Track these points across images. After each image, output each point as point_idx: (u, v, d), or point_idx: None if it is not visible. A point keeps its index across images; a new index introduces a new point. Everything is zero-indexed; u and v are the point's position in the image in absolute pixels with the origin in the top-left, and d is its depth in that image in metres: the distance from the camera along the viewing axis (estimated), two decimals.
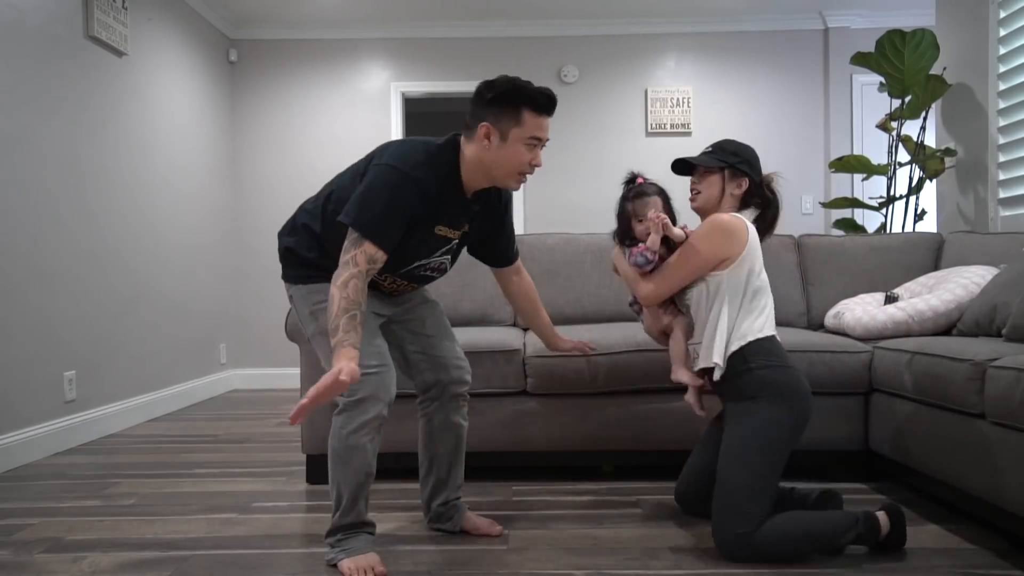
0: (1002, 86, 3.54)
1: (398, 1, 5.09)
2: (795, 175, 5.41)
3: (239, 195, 5.52)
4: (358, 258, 1.76)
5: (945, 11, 3.97)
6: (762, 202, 2.12)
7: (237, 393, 5.20)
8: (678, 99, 5.47)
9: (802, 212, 5.43)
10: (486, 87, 1.84)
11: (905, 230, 4.17)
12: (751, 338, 1.98)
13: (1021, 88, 3.40)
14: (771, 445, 1.92)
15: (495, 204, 2.06)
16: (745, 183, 2.08)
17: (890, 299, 2.85)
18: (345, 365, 1.64)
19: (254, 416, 4.21)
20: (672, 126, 5.47)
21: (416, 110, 6.70)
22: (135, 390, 4.04)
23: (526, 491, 2.58)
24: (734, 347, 1.98)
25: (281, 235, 2.04)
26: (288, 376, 5.34)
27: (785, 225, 5.25)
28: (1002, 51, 3.53)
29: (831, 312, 2.97)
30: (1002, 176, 3.56)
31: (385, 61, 5.52)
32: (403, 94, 5.55)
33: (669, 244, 2.13)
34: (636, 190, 2.20)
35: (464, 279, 3.20)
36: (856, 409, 2.62)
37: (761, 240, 2.09)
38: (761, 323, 2.02)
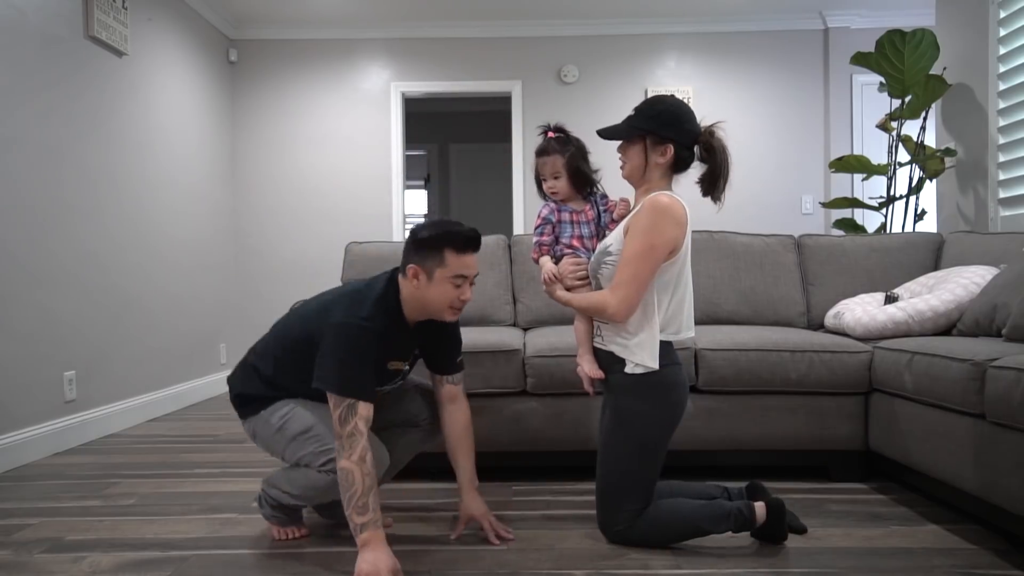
0: (1002, 86, 3.53)
1: (398, 1, 5.09)
2: (795, 175, 5.41)
3: (239, 195, 5.52)
4: (359, 425, 1.80)
5: (945, 11, 3.97)
6: (706, 158, 1.95)
7: None
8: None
9: (802, 212, 5.43)
10: (415, 231, 1.95)
11: (905, 230, 4.17)
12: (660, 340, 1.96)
13: (1021, 88, 3.39)
14: (649, 445, 1.97)
15: (437, 324, 2.09)
16: (670, 150, 1.93)
17: (890, 299, 2.85)
18: (390, 561, 1.75)
19: None
20: None
21: (416, 110, 6.70)
22: (135, 390, 4.04)
23: (526, 491, 2.58)
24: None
25: (232, 381, 2.09)
26: None
27: (785, 225, 5.29)
28: (1002, 51, 3.52)
29: (831, 312, 2.97)
30: (1002, 176, 3.56)
31: (385, 61, 5.52)
32: (403, 94, 5.55)
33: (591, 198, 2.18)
34: (539, 146, 2.18)
35: None
36: (856, 409, 2.62)
37: (714, 201, 1.95)
38: (665, 322, 1.96)
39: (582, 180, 2.16)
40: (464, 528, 2.13)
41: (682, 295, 1.98)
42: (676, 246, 1.92)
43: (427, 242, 1.91)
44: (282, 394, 2.01)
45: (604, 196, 2.24)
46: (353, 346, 1.84)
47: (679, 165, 1.98)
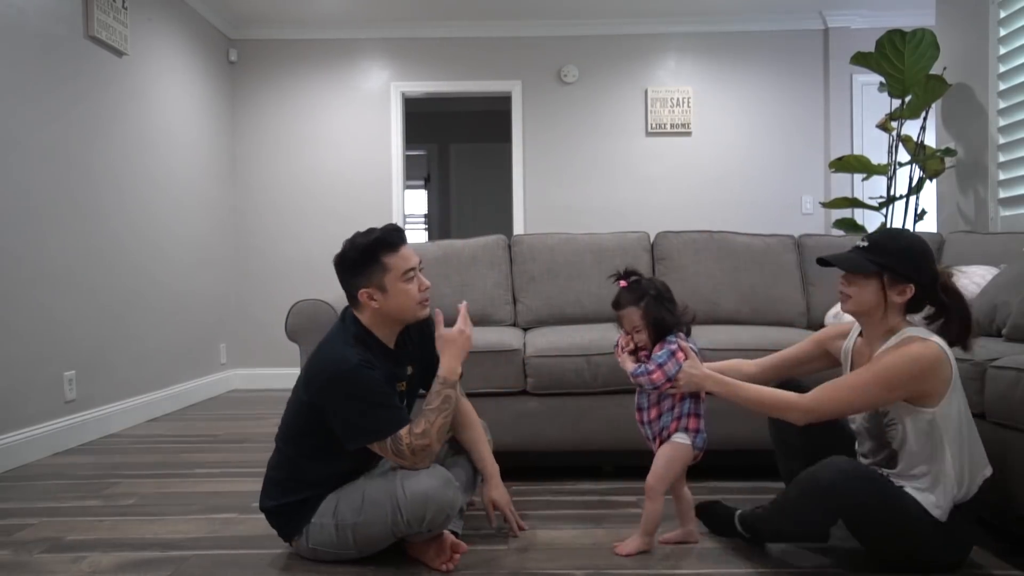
0: (1002, 86, 3.53)
1: (398, 1, 5.09)
2: (795, 175, 5.41)
3: (239, 195, 5.52)
4: (409, 441, 1.81)
5: (945, 11, 3.97)
6: (946, 303, 1.76)
7: (237, 393, 5.20)
8: (678, 99, 5.47)
9: (802, 212, 5.43)
10: (341, 261, 1.94)
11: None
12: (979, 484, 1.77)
13: (1021, 88, 3.39)
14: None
15: (416, 338, 2.06)
16: (910, 290, 1.75)
17: None
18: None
19: (254, 416, 4.21)
20: (672, 126, 5.47)
21: (416, 110, 6.70)
22: (135, 390, 4.04)
23: (526, 491, 2.58)
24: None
25: (263, 503, 1.95)
26: (288, 376, 5.31)
27: (785, 225, 5.28)
28: (1002, 51, 3.53)
29: (831, 312, 2.97)
30: (1002, 176, 3.56)
31: (385, 61, 5.53)
32: (403, 94, 5.55)
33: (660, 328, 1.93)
34: (614, 299, 1.99)
35: (464, 279, 3.20)
36: None
37: (965, 349, 1.77)
38: (959, 476, 1.73)
39: (664, 330, 1.94)
40: (494, 513, 2.08)
41: (971, 436, 1.77)
42: (933, 393, 1.71)
43: (360, 260, 1.90)
44: (316, 489, 1.89)
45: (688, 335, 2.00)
46: (355, 389, 1.81)
47: (914, 305, 1.79)
